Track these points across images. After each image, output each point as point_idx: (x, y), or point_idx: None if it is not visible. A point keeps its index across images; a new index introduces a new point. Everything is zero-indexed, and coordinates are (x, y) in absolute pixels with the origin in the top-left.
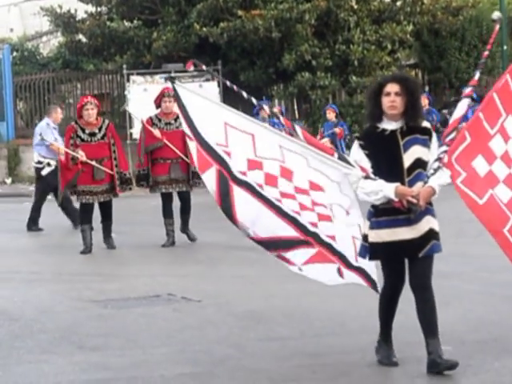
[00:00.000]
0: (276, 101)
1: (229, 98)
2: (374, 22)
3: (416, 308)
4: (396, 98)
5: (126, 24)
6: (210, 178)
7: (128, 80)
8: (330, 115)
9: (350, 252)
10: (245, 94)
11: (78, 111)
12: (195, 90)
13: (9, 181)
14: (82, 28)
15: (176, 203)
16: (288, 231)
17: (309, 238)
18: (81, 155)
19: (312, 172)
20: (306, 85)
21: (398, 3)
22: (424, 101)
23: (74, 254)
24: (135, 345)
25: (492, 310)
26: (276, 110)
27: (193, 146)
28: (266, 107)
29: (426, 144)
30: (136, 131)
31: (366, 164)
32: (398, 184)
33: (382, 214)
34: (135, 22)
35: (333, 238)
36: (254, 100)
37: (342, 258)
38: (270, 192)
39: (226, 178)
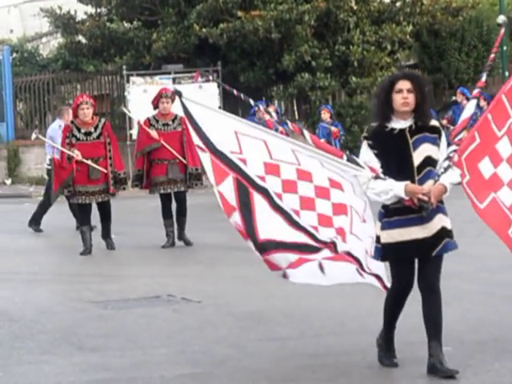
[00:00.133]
0: (276, 101)
1: (228, 98)
2: (374, 23)
3: (422, 309)
4: (408, 94)
5: (126, 25)
6: (227, 188)
7: (128, 81)
8: (325, 115)
9: (365, 262)
10: (243, 96)
11: (74, 111)
12: (202, 103)
13: (8, 182)
14: (81, 29)
15: (174, 204)
16: (304, 239)
17: (324, 245)
18: (76, 154)
19: (328, 171)
20: (305, 85)
21: (398, 4)
22: None
23: (73, 254)
24: (135, 345)
25: (492, 310)
26: (271, 109)
27: (206, 157)
28: (261, 107)
29: (435, 142)
30: (136, 132)
31: (376, 164)
32: (407, 182)
33: (393, 213)
34: (135, 22)
35: (350, 249)
36: (251, 101)
37: (360, 263)
38: (288, 201)
39: (245, 186)
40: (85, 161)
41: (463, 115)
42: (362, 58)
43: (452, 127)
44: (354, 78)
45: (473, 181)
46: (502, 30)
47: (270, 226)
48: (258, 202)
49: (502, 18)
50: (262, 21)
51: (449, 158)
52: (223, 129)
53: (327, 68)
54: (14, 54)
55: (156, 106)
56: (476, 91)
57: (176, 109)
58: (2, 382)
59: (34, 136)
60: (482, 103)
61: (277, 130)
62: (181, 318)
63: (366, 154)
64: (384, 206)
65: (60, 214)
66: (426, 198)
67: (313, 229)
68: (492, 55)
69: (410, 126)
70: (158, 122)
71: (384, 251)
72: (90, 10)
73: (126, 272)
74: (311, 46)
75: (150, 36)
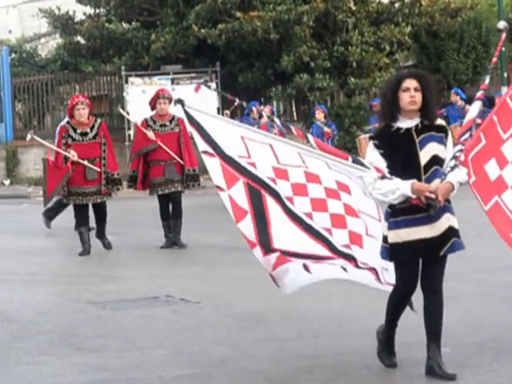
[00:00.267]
0: (274, 102)
1: (227, 100)
2: (373, 24)
3: (424, 310)
4: (416, 93)
5: (125, 25)
6: (238, 192)
7: (126, 81)
8: (319, 115)
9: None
10: (237, 101)
11: (70, 111)
12: (205, 111)
13: (7, 182)
14: (80, 30)
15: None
16: (319, 251)
17: (341, 257)
18: (72, 155)
19: (335, 173)
20: (304, 86)
21: (397, 5)
22: None
23: (72, 255)
24: (133, 346)
25: (490, 311)
26: (267, 110)
27: (215, 162)
28: (254, 108)
29: (442, 141)
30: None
31: (382, 164)
32: (414, 181)
33: (400, 213)
34: (133, 23)
35: (366, 264)
36: (237, 100)
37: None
38: (300, 204)
39: (257, 189)
40: (81, 161)
41: (468, 116)
42: (361, 58)
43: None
44: (352, 79)
45: (478, 182)
46: (503, 35)
47: (285, 236)
48: (272, 207)
49: (502, 24)
50: (261, 21)
51: (455, 157)
52: (229, 134)
53: (326, 69)
54: (13, 55)
55: (153, 107)
56: (480, 93)
57: (173, 110)
58: (1, 382)
59: (28, 137)
60: None
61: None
62: (179, 318)
63: (372, 154)
64: (391, 206)
65: (59, 215)
66: (433, 196)
67: (326, 232)
68: (494, 59)
69: (417, 125)
70: (155, 122)
71: (392, 251)
72: (89, 10)
73: (125, 273)
74: (310, 46)
75: (148, 37)
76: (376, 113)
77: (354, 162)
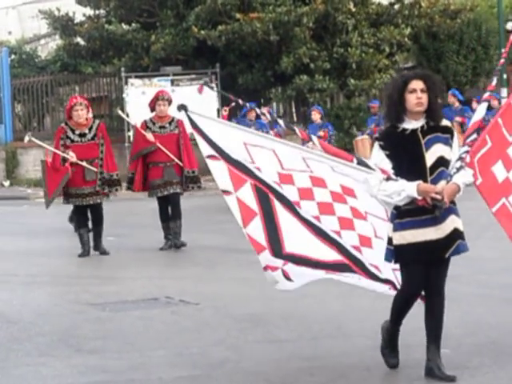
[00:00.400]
0: (274, 103)
1: (227, 101)
2: (372, 25)
3: (425, 311)
4: (422, 94)
5: (125, 27)
6: (246, 193)
7: (126, 83)
8: (316, 116)
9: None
10: (241, 102)
11: (68, 112)
12: (208, 115)
13: (7, 183)
14: (80, 31)
15: None
16: (330, 255)
17: (351, 263)
18: (71, 156)
19: (340, 176)
20: (304, 88)
21: (396, 6)
22: None
23: (72, 257)
24: (133, 348)
25: (490, 312)
26: (264, 111)
27: (220, 165)
28: (257, 109)
29: (447, 142)
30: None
31: (387, 165)
32: (420, 182)
33: (406, 215)
34: (133, 24)
35: (377, 268)
36: (240, 101)
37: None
38: (307, 208)
39: (265, 192)
40: (79, 162)
41: (474, 118)
42: (361, 60)
43: None
44: (352, 80)
45: (485, 184)
46: None
47: (296, 239)
48: (280, 210)
49: (511, 25)
50: (261, 23)
51: (461, 158)
52: (232, 140)
53: (325, 70)
54: (13, 56)
55: (153, 109)
56: (487, 94)
57: (173, 112)
58: None
59: (26, 139)
60: (475, 106)
61: (268, 132)
62: (179, 320)
63: (378, 156)
64: (396, 208)
65: (58, 216)
66: (439, 197)
67: (336, 234)
68: (502, 60)
69: (422, 126)
70: (154, 124)
71: (397, 253)
72: (89, 11)
73: (124, 274)
74: (309, 48)
75: (148, 38)
76: (374, 114)
77: (358, 163)
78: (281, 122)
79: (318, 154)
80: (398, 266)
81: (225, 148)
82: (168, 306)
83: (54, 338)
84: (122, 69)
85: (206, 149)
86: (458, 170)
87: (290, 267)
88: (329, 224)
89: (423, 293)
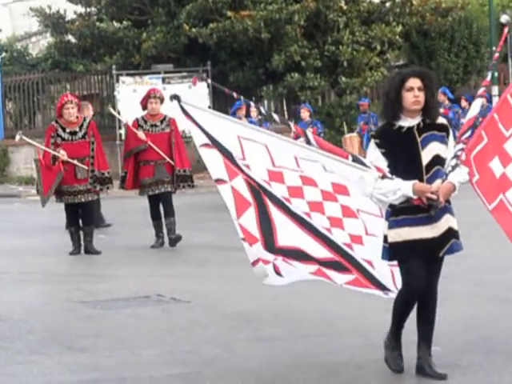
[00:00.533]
0: (266, 101)
1: (218, 98)
2: (364, 23)
3: (417, 309)
4: (420, 93)
5: (116, 25)
6: (240, 184)
7: (117, 81)
8: (304, 114)
9: (389, 281)
10: (235, 95)
11: (58, 110)
12: (202, 107)
13: None
14: (71, 28)
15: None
16: (321, 253)
17: (343, 259)
18: (62, 154)
19: (331, 175)
20: (295, 86)
21: (387, 4)
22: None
23: (63, 254)
24: (124, 345)
25: (481, 310)
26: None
27: (213, 153)
28: (252, 103)
29: (443, 141)
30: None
31: (383, 163)
32: (415, 181)
33: (401, 212)
34: (124, 22)
35: (370, 263)
36: (234, 94)
37: (381, 287)
38: (298, 204)
39: (255, 187)
40: (70, 160)
41: (469, 114)
42: (352, 58)
43: None
44: (343, 78)
45: (482, 180)
46: (506, 30)
47: (288, 233)
48: (271, 206)
49: (505, 18)
50: (252, 21)
51: (456, 156)
52: (225, 133)
53: (317, 68)
54: (4, 54)
55: (145, 107)
56: (481, 90)
57: (165, 110)
58: None
59: (17, 137)
60: (464, 104)
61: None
62: (170, 318)
63: (373, 153)
64: (391, 205)
65: (49, 215)
66: (434, 197)
67: (326, 231)
68: (496, 54)
69: (418, 124)
70: (146, 122)
71: (392, 251)
72: (80, 9)
73: (115, 272)
74: (301, 46)
75: (139, 36)
76: (363, 112)
77: (353, 160)
78: (275, 116)
79: (313, 150)
80: (395, 262)
81: (217, 138)
82: (159, 304)
83: (45, 336)
84: (113, 66)
85: (199, 137)
86: (453, 168)
87: (281, 263)
88: (319, 221)
89: None
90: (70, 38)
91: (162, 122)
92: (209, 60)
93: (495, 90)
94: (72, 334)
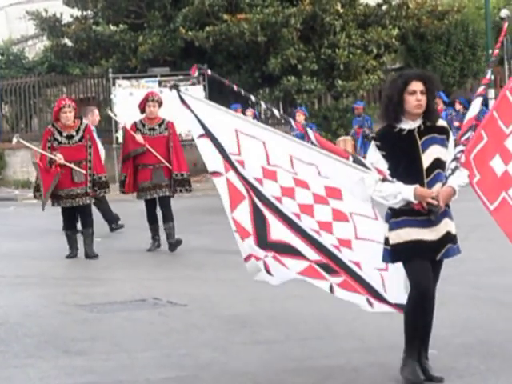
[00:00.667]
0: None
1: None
2: (360, 26)
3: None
4: (422, 96)
5: (112, 28)
6: (234, 177)
7: (114, 84)
8: (300, 117)
9: (378, 283)
10: (243, 92)
11: (56, 114)
12: (202, 98)
13: None
14: (67, 32)
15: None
16: (309, 254)
17: (331, 261)
18: (59, 158)
19: (325, 179)
20: (291, 89)
21: (384, 7)
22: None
23: (59, 258)
24: (120, 349)
25: (478, 313)
26: (249, 113)
27: (210, 144)
28: (252, 96)
29: (443, 144)
30: (121, 135)
31: (383, 166)
32: (416, 186)
33: (401, 214)
34: (121, 25)
35: (358, 264)
36: (235, 87)
37: (369, 288)
38: (288, 205)
39: (246, 187)
40: (67, 164)
41: (468, 114)
42: (348, 61)
43: None
44: (339, 82)
45: (483, 180)
46: (506, 25)
47: (280, 229)
48: (261, 207)
49: (505, 12)
50: (248, 24)
51: (456, 158)
52: (223, 126)
53: (313, 71)
54: (0, 57)
55: (143, 110)
56: (481, 88)
57: (163, 113)
58: None
59: (14, 140)
60: (458, 107)
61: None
62: (166, 321)
63: (374, 155)
64: (391, 207)
65: (45, 218)
66: (435, 203)
67: (315, 233)
68: (496, 51)
69: (419, 127)
70: (144, 126)
71: (394, 252)
72: (76, 12)
73: (112, 275)
74: (297, 49)
75: (136, 39)
76: (358, 116)
77: (354, 161)
78: (276, 112)
79: (313, 148)
80: (383, 265)
81: (212, 130)
82: (156, 307)
83: (41, 340)
84: (110, 70)
85: (196, 128)
86: (453, 171)
87: (271, 261)
88: (308, 223)
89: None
90: (67, 41)
91: (160, 125)
92: (205, 63)
93: (491, 93)
94: (68, 338)
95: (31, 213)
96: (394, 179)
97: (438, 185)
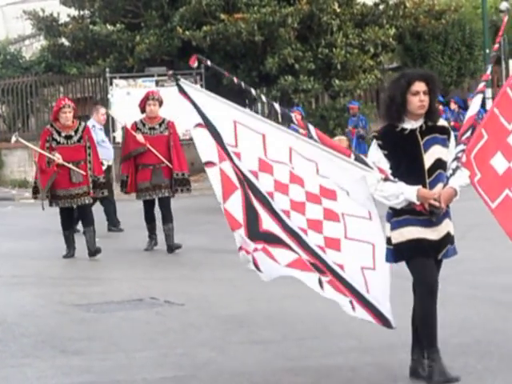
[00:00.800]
0: (259, 104)
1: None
2: (357, 26)
3: (413, 311)
4: (425, 97)
5: (109, 27)
6: (228, 168)
7: (111, 83)
8: (296, 117)
9: (361, 283)
10: (235, 80)
11: (55, 114)
12: (201, 89)
13: None
14: (64, 31)
15: (156, 208)
16: (297, 251)
17: (317, 261)
18: (57, 158)
19: (321, 179)
20: (288, 88)
21: (381, 7)
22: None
23: (56, 258)
24: (118, 348)
25: (475, 312)
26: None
27: (206, 134)
28: (252, 90)
29: (445, 144)
30: (118, 135)
31: (385, 165)
32: (419, 187)
33: (403, 213)
34: (118, 25)
35: (341, 266)
36: (235, 79)
37: (353, 291)
38: (279, 201)
39: (241, 178)
40: (66, 164)
41: (469, 112)
42: (345, 60)
43: None
44: (337, 81)
45: (484, 179)
46: (506, 18)
47: (270, 223)
48: (253, 200)
49: (504, 5)
50: (246, 24)
51: (457, 158)
52: (222, 117)
53: (310, 71)
54: None
55: (143, 109)
56: (481, 85)
57: (163, 112)
58: None
59: (13, 139)
60: (453, 106)
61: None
62: (164, 320)
63: (375, 155)
64: (392, 207)
65: (42, 218)
66: (437, 204)
67: (302, 231)
68: (496, 45)
69: (421, 126)
70: (144, 125)
71: (397, 252)
72: (73, 12)
73: (109, 275)
74: (294, 48)
75: (133, 38)
76: (353, 115)
77: (356, 159)
78: (277, 106)
79: (315, 145)
80: (370, 264)
81: (211, 119)
82: (153, 307)
83: (38, 339)
84: (107, 69)
85: (193, 117)
86: (454, 171)
87: (260, 255)
88: (297, 221)
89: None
90: (64, 40)
91: (160, 125)
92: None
93: (488, 92)
94: (65, 337)
95: (28, 212)
96: (396, 179)
97: (440, 185)
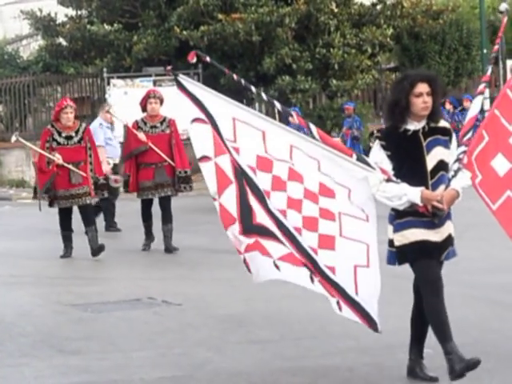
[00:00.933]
0: (257, 104)
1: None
2: (355, 26)
3: (412, 312)
4: (428, 98)
5: (107, 27)
6: (225, 162)
7: (108, 83)
8: (292, 118)
9: (350, 284)
10: (235, 76)
11: (56, 114)
12: (200, 84)
13: None
14: (62, 31)
15: (156, 208)
16: (287, 246)
17: (308, 262)
18: (57, 158)
19: (322, 176)
20: (286, 88)
21: (378, 7)
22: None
23: (54, 257)
24: (115, 348)
25: (472, 312)
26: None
27: (205, 129)
28: (252, 87)
29: (447, 145)
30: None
31: (387, 166)
32: (422, 188)
33: (405, 215)
34: (115, 25)
35: (332, 269)
36: (235, 76)
37: (342, 292)
38: (276, 200)
39: (239, 172)
40: (66, 165)
41: (470, 113)
42: (343, 60)
43: None
44: (334, 81)
45: (485, 180)
46: (505, 19)
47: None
48: (250, 196)
49: (504, 6)
50: (243, 23)
51: (459, 159)
52: (221, 113)
53: (308, 71)
54: None
55: (144, 108)
56: (482, 86)
57: (164, 111)
58: None
59: (13, 138)
60: (448, 106)
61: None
62: (161, 320)
63: (378, 155)
64: (394, 208)
65: (40, 217)
66: (441, 206)
67: (296, 231)
68: (496, 46)
69: (423, 128)
70: (145, 124)
71: (400, 254)
72: (71, 12)
73: (107, 275)
74: (292, 48)
75: (130, 38)
76: (348, 116)
77: (358, 159)
78: (277, 104)
79: (316, 144)
80: (362, 262)
81: (213, 113)
82: (150, 307)
83: (36, 339)
84: (104, 69)
85: (192, 112)
86: (456, 172)
87: (251, 255)
88: (293, 220)
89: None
90: (61, 40)
91: (161, 123)
92: (200, 63)
93: (486, 92)
94: (63, 337)
95: (26, 212)
96: (399, 180)
97: (442, 187)
